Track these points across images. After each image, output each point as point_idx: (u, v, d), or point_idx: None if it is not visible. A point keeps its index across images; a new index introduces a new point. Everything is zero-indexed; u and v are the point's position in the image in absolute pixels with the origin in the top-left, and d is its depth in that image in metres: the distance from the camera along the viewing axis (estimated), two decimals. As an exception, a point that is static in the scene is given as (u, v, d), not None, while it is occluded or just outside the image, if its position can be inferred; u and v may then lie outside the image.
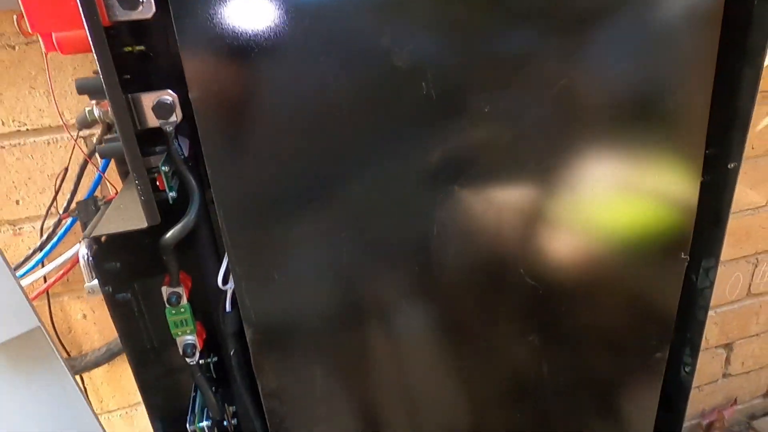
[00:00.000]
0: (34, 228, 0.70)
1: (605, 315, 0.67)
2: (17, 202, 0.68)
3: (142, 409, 0.86)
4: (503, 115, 0.48)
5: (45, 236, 0.69)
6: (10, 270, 0.55)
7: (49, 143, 0.66)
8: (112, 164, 0.64)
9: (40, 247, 0.69)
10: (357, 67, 0.44)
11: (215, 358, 0.64)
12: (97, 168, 0.61)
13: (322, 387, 0.58)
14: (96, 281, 0.50)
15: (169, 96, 0.46)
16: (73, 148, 0.64)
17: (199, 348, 0.58)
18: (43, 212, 0.69)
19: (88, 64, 0.63)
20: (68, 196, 0.67)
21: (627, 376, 0.72)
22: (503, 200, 0.52)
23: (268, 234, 0.49)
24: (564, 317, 0.63)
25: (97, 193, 0.65)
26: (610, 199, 0.57)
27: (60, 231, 0.67)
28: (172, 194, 0.49)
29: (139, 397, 0.85)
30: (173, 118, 0.46)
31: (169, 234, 0.49)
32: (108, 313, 0.76)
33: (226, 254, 0.53)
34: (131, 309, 0.56)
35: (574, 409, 0.71)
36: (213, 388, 0.61)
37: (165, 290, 0.54)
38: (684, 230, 0.63)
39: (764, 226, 1.08)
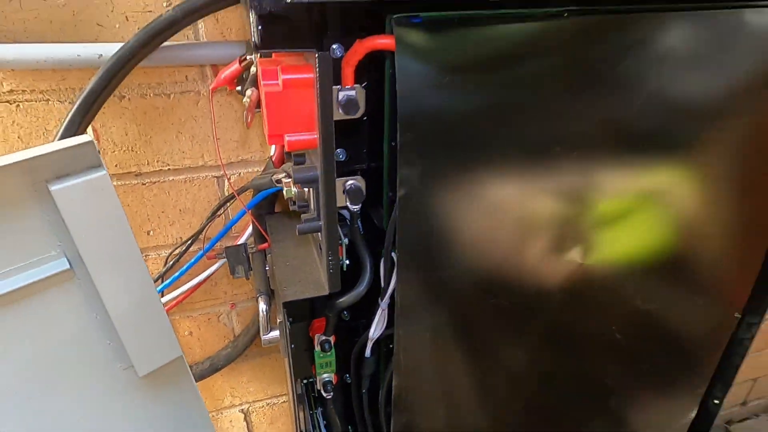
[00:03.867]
0: (159, 255, 0.74)
1: (669, 356, 0.78)
2: (148, 233, 0.72)
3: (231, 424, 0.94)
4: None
5: (170, 264, 0.73)
6: (160, 303, 0.61)
7: (185, 181, 0.70)
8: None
9: (162, 276, 0.73)
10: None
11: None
12: (244, 204, 0.66)
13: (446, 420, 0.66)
14: (273, 333, 0.57)
15: (359, 182, 0.51)
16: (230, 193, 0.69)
17: (333, 384, 0.66)
18: (170, 242, 0.73)
19: (232, 114, 0.67)
20: (197, 228, 0.71)
21: (674, 400, 0.85)
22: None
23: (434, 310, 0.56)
24: (638, 357, 0.74)
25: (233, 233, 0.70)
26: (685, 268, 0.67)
27: (189, 261, 0.72)
28: (347, 262, 0.56)
29: (230, 416, 0.92)
30: (359, 203, 0.52)
31: (343, 299, 0.56)
32: (209, 331, 0.83)
33: (379, 313, 0.60)
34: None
35: (634, 419, 0.84)
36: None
37: (318, 337, 0.61)
38: (743, 293, 0.74)
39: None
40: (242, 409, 0.93)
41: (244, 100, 0.48)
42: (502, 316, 0.60)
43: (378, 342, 0.64)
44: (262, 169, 0.71)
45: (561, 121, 0.50)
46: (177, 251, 0.72)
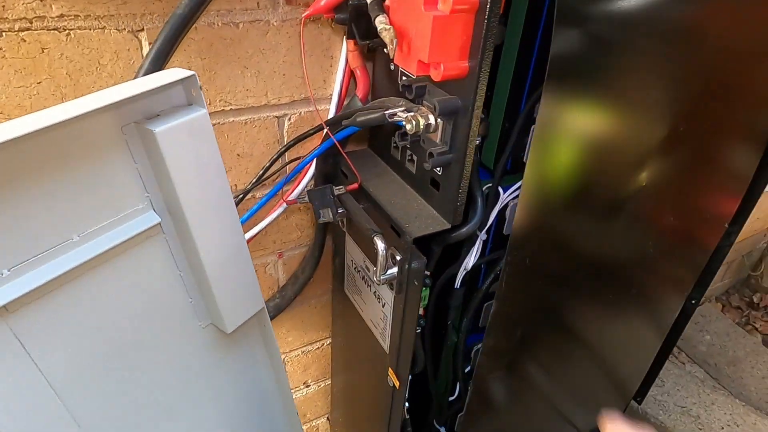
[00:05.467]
0: (212, 206, 0.68)
1: (672, 264, 0.90)
2: (203, 182, 0.65)
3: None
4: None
5: (225, 214, 0.68)
6: (248, 251, 0.58)
7: (246, 123, 0.64)
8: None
9: (221, 226, 0.68)
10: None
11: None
12: (332, 135, 0.60)
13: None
14: (392, 270, 0.57)
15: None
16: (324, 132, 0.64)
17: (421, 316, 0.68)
18: (224, 190, 0.67)
19: (299, 47, 0.62)
20: (254, 173, 0.67)
21: (665, 300, 0.99)
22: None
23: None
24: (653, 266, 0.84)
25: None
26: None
27: (254, 206, 0.66)
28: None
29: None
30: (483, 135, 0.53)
31: (461, 231, 0.57)
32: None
33: (478, 243, 0.62)
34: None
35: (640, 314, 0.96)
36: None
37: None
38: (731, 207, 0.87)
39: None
40: (279, 360, 0.92)
41: (387, 27, 0.45)
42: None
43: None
44: (325, 107, 0.67)
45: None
46: (236, 198, 0.67)
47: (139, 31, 0.53)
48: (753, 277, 1.98)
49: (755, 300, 1.94)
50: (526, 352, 0.77)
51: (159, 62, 0.48)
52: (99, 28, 0.51)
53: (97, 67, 0.53)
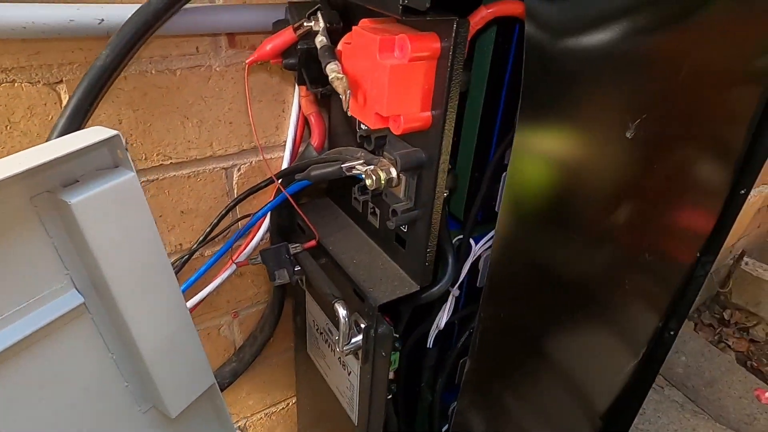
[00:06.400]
0: (154, 268, 0.61)
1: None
2: (143, 243, 0.58)
3: None
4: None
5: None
6: (192, 325, 0.51)
7: (189, 176, 0.58)
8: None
9: (165, 290, 0.61)
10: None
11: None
12: (283, 190, 0.55)
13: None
14: (356, 338, 0.51)
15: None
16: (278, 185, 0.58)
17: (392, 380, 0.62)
18: (168, 250, 0.61)
19: (242, 95, 0.56)
20: (201, 231, 0.60)
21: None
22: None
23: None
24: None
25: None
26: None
27: (202, 266, 0.60)
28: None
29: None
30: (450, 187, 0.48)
31: (431, 291, 0.52)
32: (208, 348, 0.72)
33: (450, 300, 0.57)
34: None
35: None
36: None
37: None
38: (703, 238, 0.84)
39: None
40: (239, 426, 0.83)
41: (340, 76, 0.40)
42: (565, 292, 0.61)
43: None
44: (279, 155, 0.61)
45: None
46: (177, 260, 0.60)
47: (57, 83, 0.46)
48: (722, 294, 1.99)
49: (726, 316, 1.95)
50: (503, 405, 0.72)
51: (77, 120, 0.42)
52: (7, 81, 0.44)
53: (7, 126, 0.46)
